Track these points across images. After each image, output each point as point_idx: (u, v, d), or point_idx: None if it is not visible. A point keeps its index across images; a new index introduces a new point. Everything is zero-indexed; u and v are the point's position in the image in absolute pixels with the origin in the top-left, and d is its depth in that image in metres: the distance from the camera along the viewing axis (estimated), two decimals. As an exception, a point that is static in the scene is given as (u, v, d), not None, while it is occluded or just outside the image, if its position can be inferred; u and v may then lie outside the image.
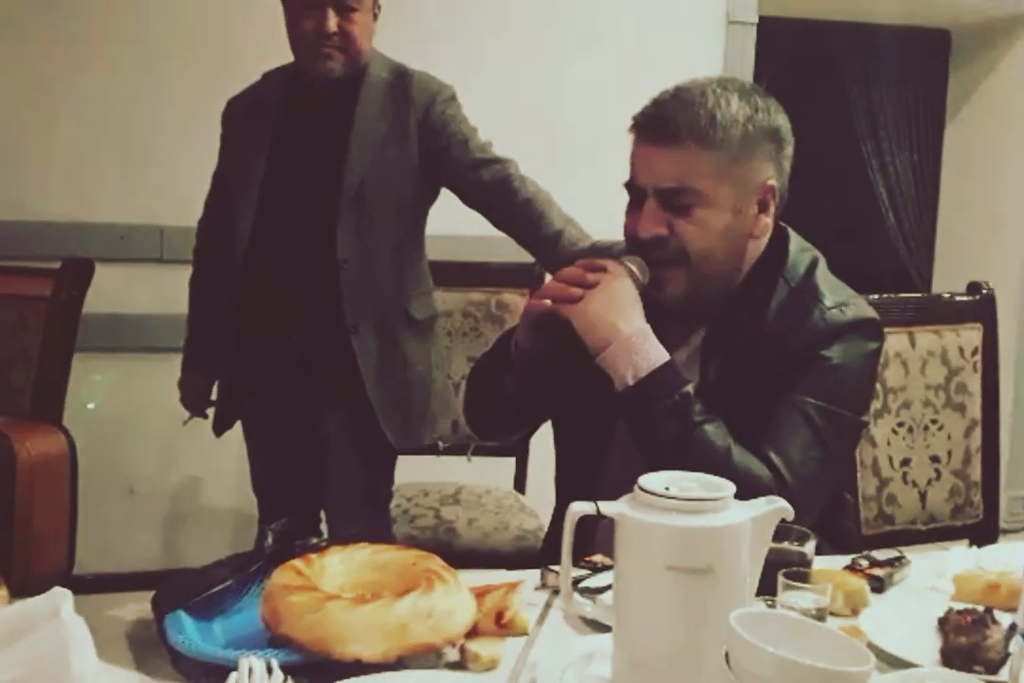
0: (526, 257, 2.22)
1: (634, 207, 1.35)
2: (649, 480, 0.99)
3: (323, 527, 2.24)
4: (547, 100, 3.18)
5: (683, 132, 1.29)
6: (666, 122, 1.30)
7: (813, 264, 1.39)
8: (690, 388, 1.28)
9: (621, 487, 1.03)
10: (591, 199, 2.54)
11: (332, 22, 1.98)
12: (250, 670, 0.90)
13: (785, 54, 3.87)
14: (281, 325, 2.11)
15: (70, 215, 2.88)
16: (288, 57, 2.14)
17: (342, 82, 2.05)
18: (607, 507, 0.99)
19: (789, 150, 1.38)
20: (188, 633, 1.03)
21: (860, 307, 1.37)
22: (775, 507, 0.99)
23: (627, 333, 1.28)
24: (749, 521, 0.97)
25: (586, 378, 1.34)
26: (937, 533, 1.95)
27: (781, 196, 1.37)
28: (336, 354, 2.07)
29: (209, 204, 2.29)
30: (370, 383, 2.06)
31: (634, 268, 1.33)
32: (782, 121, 1.36)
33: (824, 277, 1.39)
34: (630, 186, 1.36)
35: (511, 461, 2.65)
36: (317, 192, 2.06)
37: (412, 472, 2.41)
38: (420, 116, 2.05)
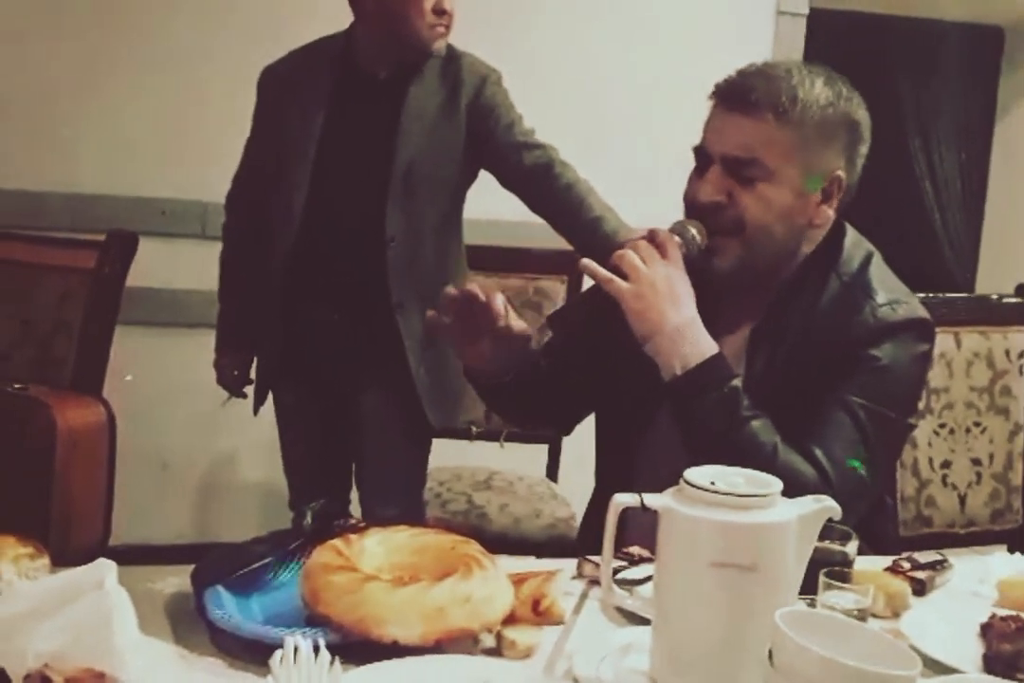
0: (564, 244, 2.21)
1: (698, 173, 1.34)
2: (695, 474, 0.98)
3: (352, 509, 2.25)
4: (591, 89, 3.15)
5: (762, 103, 1.28)
6: (747, 91, 1.30)
7: (867, 259, 1.37)
8: (738, 382, 1.27)
9: (659, 476, 1.03)
10: (632, 189, 2.53)
11: (449, 1, 1.99)
12: (295, 649, 0.90)
13: (834, 47, 3.81)
14: (325, 303, 2.11)
15: (114, 189, 2.89)
16: (330, 29, 2.13)
17: (403, 60, 2.05)
18: (652, 500, 0.98)
19: (863, 149, 1.36)
20: (227, 609, 1.03)
21: (912, 306, 1.35)
22: (822, 506, 0.98)
23: (677, 322, 1.26)
24: (796, 519, 0.96)
25: (628, 365, 1.34)
26: (975, 537, 1.93)
27: (847, 191, 1.35)
28: (378, 333, 2.07)
29: (242, 178, 2.25)
30: (415, 362, 2.07)
31: (694, 231, 1.31)
32: (862, 115, 1.35)
33: (879, 273, 1.36)
34: (699, 151, 1.35)
35: (544, 448, 2.65)
36: (368, 169, 2.06)
37: (445, 456, 2.41)
38: (471, 98, 2.05)
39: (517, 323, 1.36)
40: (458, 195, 2.15)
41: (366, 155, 2.07)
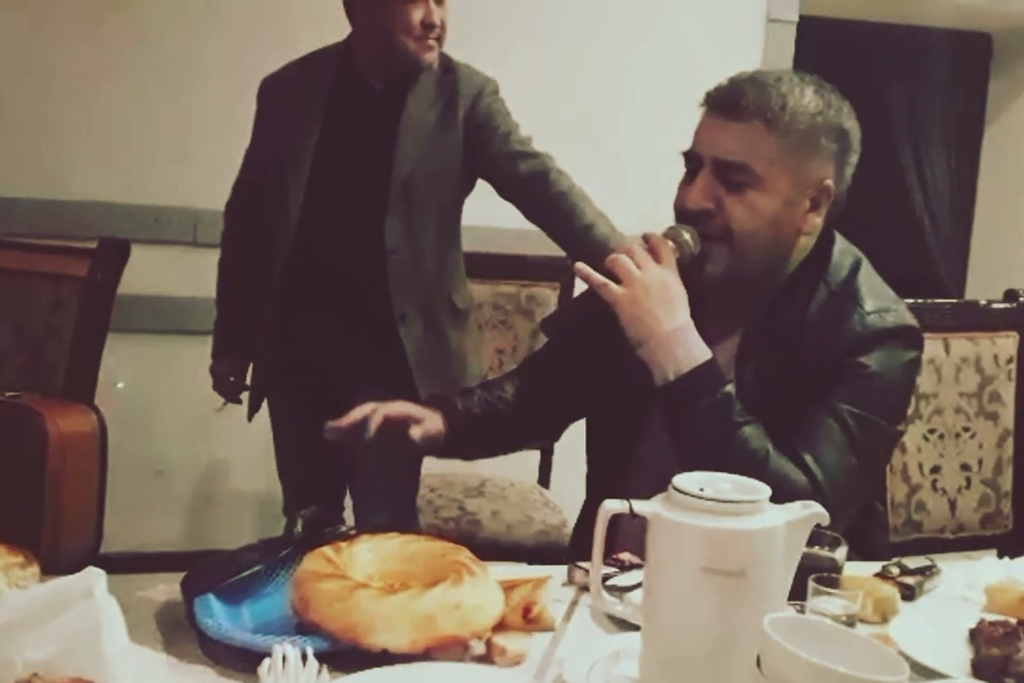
0: (556, 250, 2.21)
1: (688, 178, 1.35)
2: (684, 480, 0.98)
3: (345, 515, 2.25)
4: (585, 96, 3.16)
5: (752, 110, 1.30)
6: (738, 98, 1.31)
7: (856, 266, 1.38)
8: (731, 388, 1.27)
9: (651, 481, 1.03)
10: (625, 195, 2.54)
11: (438, 14, 1.99)
12: (283, 657, 0.90)
13: (824, 54, 3.83)
14: (325, 313, 2.11)
15: (106, 196, 2.89)
16: (329, 37, 2.13)
17: (396, 72, 2.05)
18: (641, 506, 0.98)
19: (853, 158, 1.37)
20: (217, 617, 1.03)
21: (900, 313, 1.35)
22: (810, 512, 0.98)
23: (671, 326, 1.26)
24: (784, 525, 0.96)
25: (620, 370, 1.34)
26: (965, 542, 1.93)
27: (836, 200, 1.36)
28: (380, 343, 2.07)
29: (242, 187, 2.26)
30: (416, 371, 2.08)
31: (688, 236, 1.32)
32: (852, 125, 1.36)
33: (867, 280, 1.37)
34: (689, 155, 1.35)
35: (536, 455, 2.65)
36: (366, 180, 2.06)
37: (436, 463, 2.41)
38: (468, 108, 2.06)
39: (415, 431, 1.40)
40: (456, 205, 2.16)
41: (364, 166, 2.07)
